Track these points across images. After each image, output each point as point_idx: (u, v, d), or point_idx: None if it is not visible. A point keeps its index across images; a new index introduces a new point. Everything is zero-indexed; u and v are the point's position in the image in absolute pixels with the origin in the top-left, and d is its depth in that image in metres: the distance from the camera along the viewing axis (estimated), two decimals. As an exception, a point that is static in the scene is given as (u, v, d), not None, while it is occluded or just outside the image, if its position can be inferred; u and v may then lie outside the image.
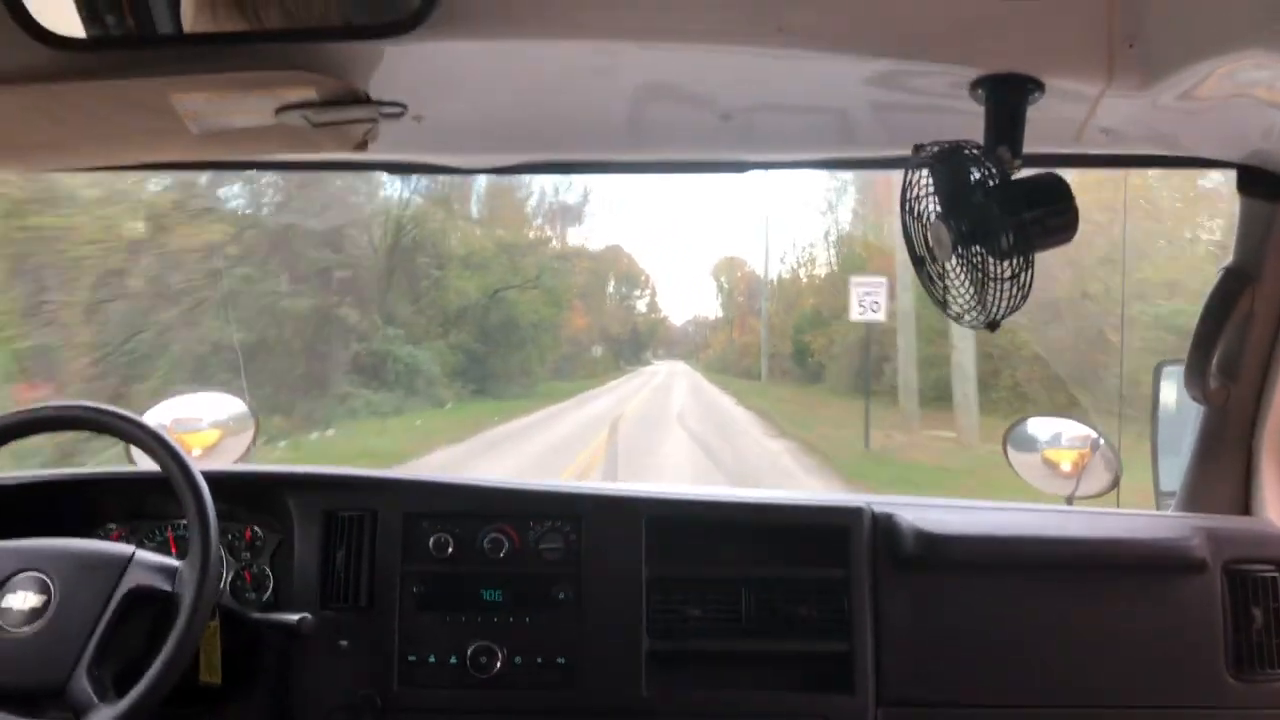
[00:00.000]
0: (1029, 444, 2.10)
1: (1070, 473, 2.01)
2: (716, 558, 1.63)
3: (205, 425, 2.16)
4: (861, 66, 1.16)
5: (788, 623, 1.61)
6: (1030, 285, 1.16)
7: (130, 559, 1.38)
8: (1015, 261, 1.15)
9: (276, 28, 1.06)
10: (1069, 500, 1.98)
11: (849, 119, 1.37)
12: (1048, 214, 1.16)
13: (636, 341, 49.87)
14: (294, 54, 1.08)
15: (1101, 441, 2.02)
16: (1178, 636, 1.59)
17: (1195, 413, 1.79)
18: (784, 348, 28.07)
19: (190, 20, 1.10)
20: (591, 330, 35.43)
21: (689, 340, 57.34)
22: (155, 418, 2.07)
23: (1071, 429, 2.09)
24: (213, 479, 1.43)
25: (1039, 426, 2.14)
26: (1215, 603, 1.58)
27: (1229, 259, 1.64)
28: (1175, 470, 1.88)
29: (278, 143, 1.30)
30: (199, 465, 1.46)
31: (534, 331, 22.52)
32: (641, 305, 51.72)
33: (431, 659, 1.58)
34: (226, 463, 2.08)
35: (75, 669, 1.30)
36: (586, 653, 1.58)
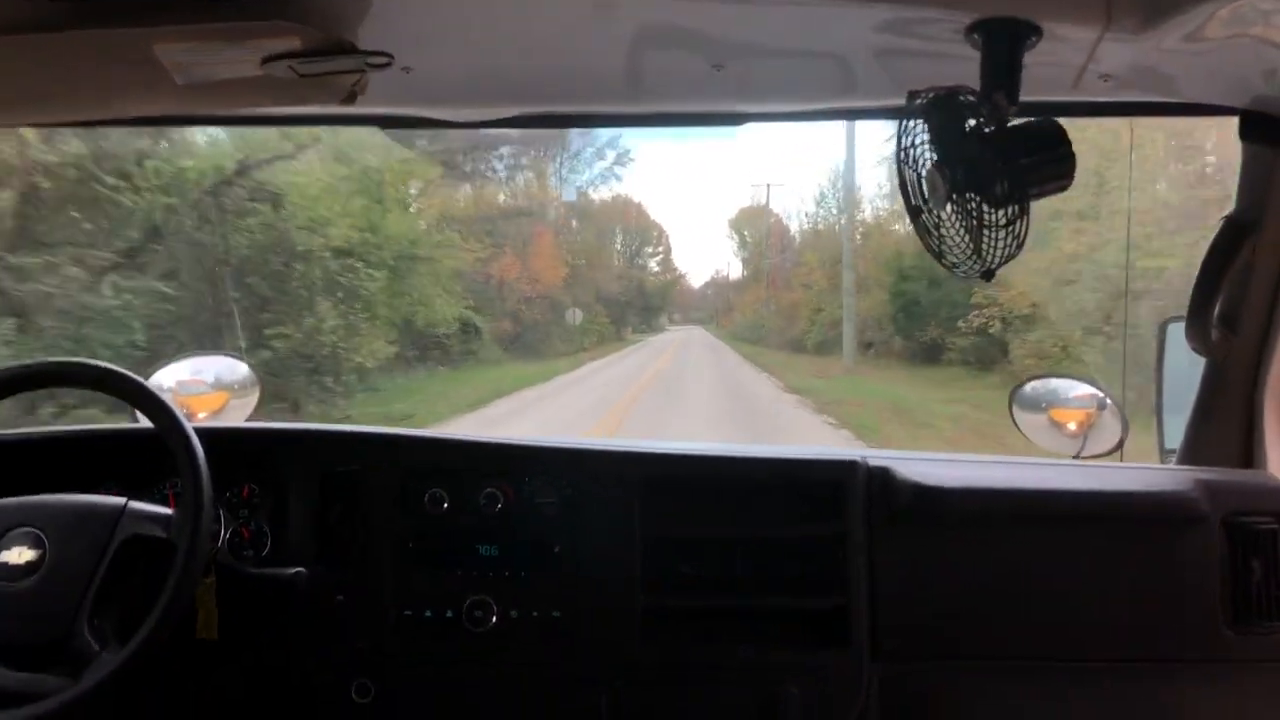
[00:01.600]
0: (1035, 403, 2.08)
1: (1076, 432, 2.00)
2: (712, 514, 1.63)
3: (209, 388, 2.17)
4: (857, 11, 1.14)
5: (783, 579, 1.61)
6: (1026, 233, 1.15)
7: (123, 509, 1.38)
8: (1010, 209, 1.14)
9: None
10: (1076, 458, 1.97)
11: (845, 66, 1.35)
12: (1044, 161, 1.15)
13: (646, 305, 44.82)
14: (278, 3, 1.07)
15: (1108, 401, 2.00)
16: (1177, 589, 1.58)
17: (1199, 369, 1.77)
18: (864, 311, 20.40)
19: None
20: (580, 290, 30.48)
21: (708, 304, 52.91)
22: (161, 381, 2.09)
23: (1078, 388, 2.06)
24: (209, 436, 1.43)
25: (1045, 386, 2.12)
26: (1214, 555, 1.57)
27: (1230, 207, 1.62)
28: (1179, 428, 1.87)
29: (265, 95, 1.29)
30: (197, 424, 1.46)
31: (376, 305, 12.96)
32: (654, 264, 47.01)
33: (427, 613, 1.59)
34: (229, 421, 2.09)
35: (75, 620, 1.31)
36: (581, 608, 1.59)
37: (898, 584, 1.59)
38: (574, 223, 33.61)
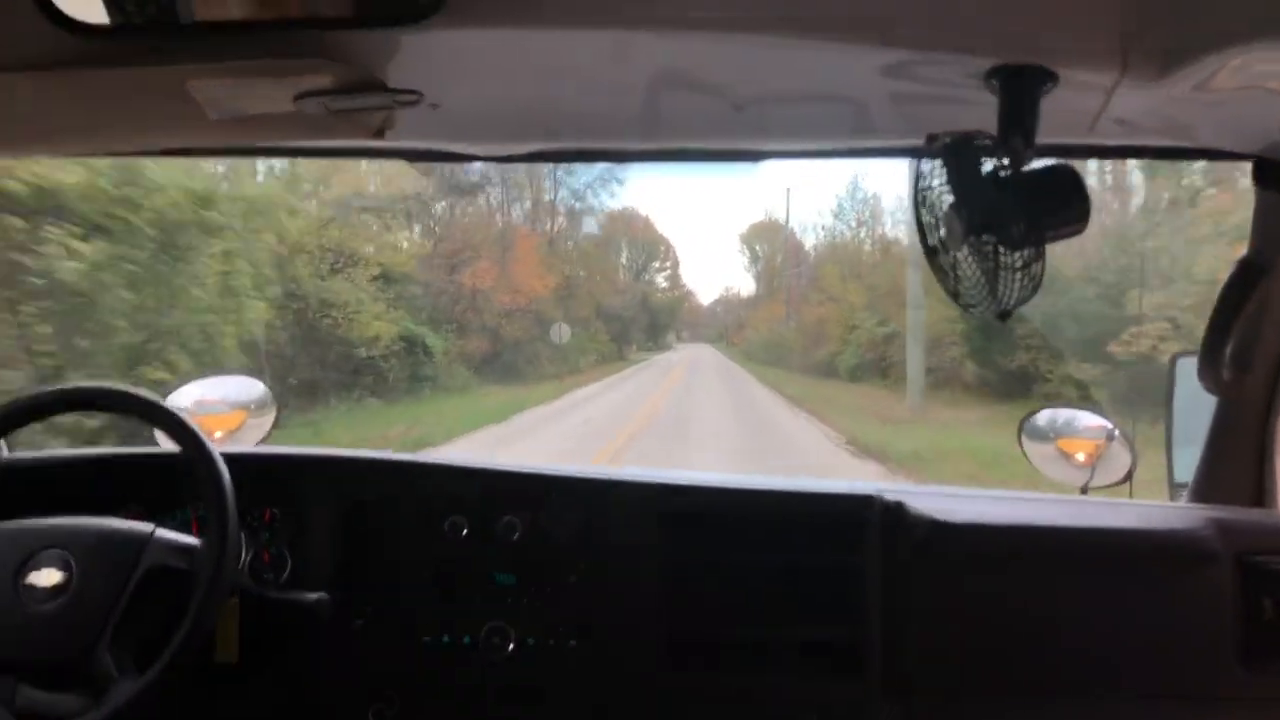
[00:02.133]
0: (1043, 434, 2.09)
1: (1085, 463, 2.01)
2: (727, 544, 1.64)
3: (227, 408, 2.19)
4: (875, 56, 1.16)
5: (798, 610, 1.62)
6: (1042, 275, 1.16)
7: (150, 537, 1.40)
8: (1027, 252, 1.16)
9: (293, 15, 1.07)
10: (1083, 490, 1.98)
11: (862, 109, 1.37)
12: (1060, 205, 1.17)
13: (652, 322, 42.03)
14: (311, 41, 1.10)
15: (1117, 432, 2.01)
16: (1189, 627, 1.59)
17: (1210, 405, 1.78)
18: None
19: (208, 8, 1.11)
20: (576, 305, 28.55)
21: (717, 321, 50.55)
22: (178, 401, 2.11)
23: (1086, 419, 2.08)
24: (233, 460, 1.45)
25: (1054, 416, 2.13)
26: (1226, 593, 1.58)
27: (1245, 250, 1.63)
28: (1190, 462, 1.88)
29: (296, 129, 1.32)
30: (219, 448, 1.48)
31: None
32: (662, 279, 44.44)
33: (445, 640, 1.61)
34: (248, 445, 2.11)
35: (96, 644, 1.33)
36: (598, 637, 1.60)
37: (912, 618, 1.60)
38: (564, 228, 31.21)
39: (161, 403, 1.50)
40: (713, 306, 53.70)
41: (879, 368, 19.62)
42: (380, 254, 15.73)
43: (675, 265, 46.63)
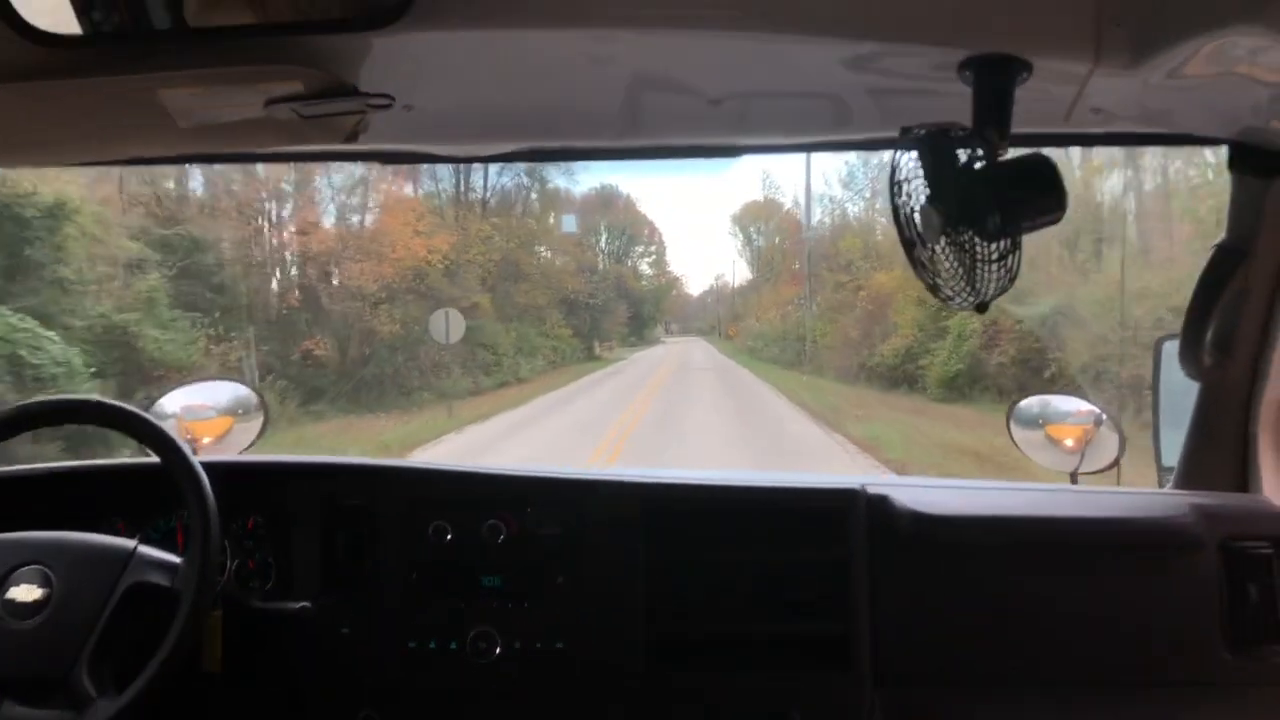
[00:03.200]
0: (1032, 420, 2.09)
1: (1073, 448, 2.01)
2: (713, 541, 1.64)
3: (215, 413, 2.19)
4: (848, 50, 1.15)
5: (785, 605, 1.62)
6: (1018, 267, 1.16)
7: (132, 554, 1.40)
8: (1003, 243, 1.16)
9: (262, 22, 1.07)
10: (1073, 476, 1.98)
11: (839, 102, 1.37)
12: (1035, 195, 1.16)
13: (635, 313, 36.48)
14: (280, 48, 1.09)
15: (1105, 417, 2.01)
16: (1174, 614, 1.59)
17: (1196, 387, 1.78)
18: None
19: (178, 16, 1.11)
20: (520, 292, 24.31)
21: (708, 313, 46.01)
22: (165, 406, 2.10)
23: (1075, 405, 2.08)
24: (215, 470, 1.45)
25: (1042, 403, 2.13)
26: (1211, 580, 1.58)
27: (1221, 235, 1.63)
28: (1177, 446, 1.88)
29: (267, 136, 1.31)
30: (205, 454, 1.48)
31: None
32: (646, 266, 39.75)
33: (431, 645, 1.61)
34: (235, 450, 2.10)
35: (76, 662, 1.32)
36: (585, 637, 1.60)
37: (899, 609, 1.61)
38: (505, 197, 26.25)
39: (141, 414, 1.49)
40: (703, 297, 48.94)
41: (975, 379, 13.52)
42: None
43: (661, 250, 40.76)
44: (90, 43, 1.11)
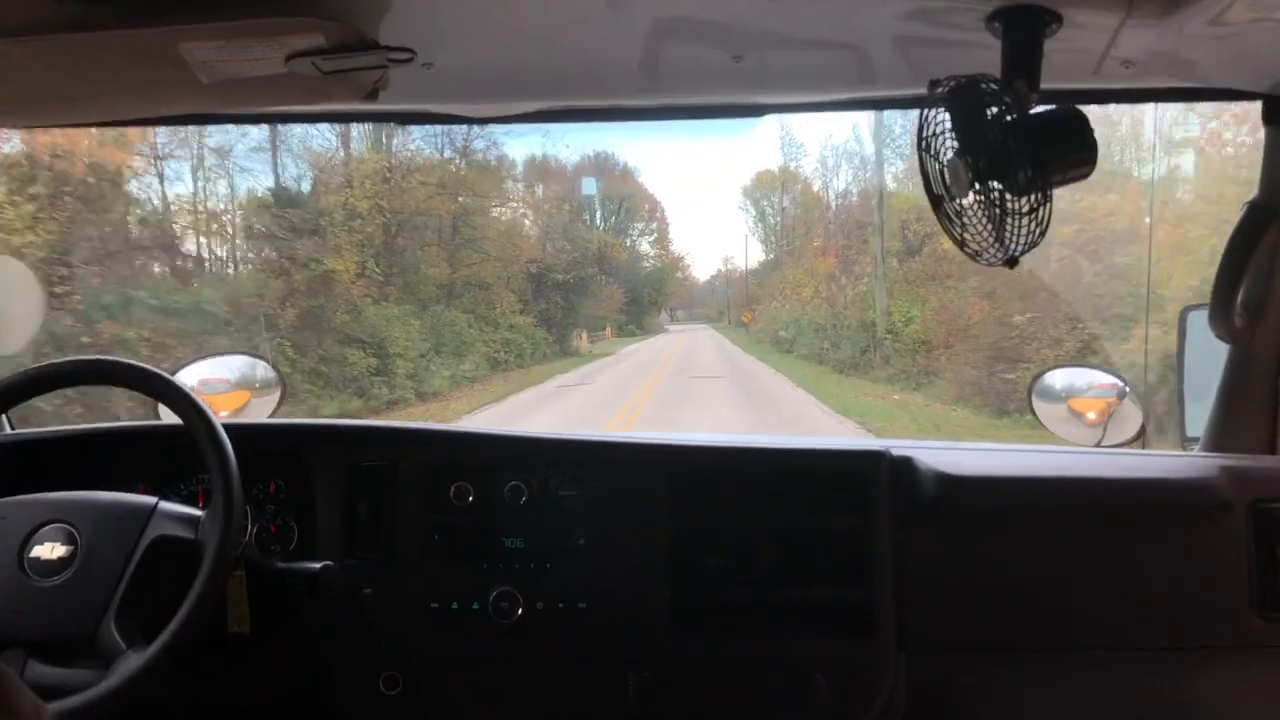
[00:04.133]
0: (1054, 394, 2.08)
1: (1096, 420, 2.00)
2: (737, 506, 1.63)
3: (231, 387, 2.19)
4: (876, 1, 1.14)
5: (809, 570, 1.61)
6: (1049, 220, 1.14)
7: (154, 509, 1.40)
8: (1033, 197, 1.14)
9: None
10: (1097, 448, 1.96)
11: (865, 56, 1.35)
12: (1066, 148, 1.15)
13: (633, 297, 31.25)
14: (302, 1, 1.08)
15: (1128, 389, 2.00)
16: (1204, 576, 1.58)
17: (1221, 357, 1.76)
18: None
19: None
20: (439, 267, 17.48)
21: (717, 298, 39.97)
22: (182, 379, 2.10)
23: (1097, 377, 2.06)
24: (236, 433, 1.45)
25: (1065, 376, 2.12)
26: (1241, 542, 1.57)
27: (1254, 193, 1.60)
28: (1201, 416, 1.86)
29: (288, 93, 1.30)
30: (223, 420, 1.47)
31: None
32: (646, 244, 33.46)
33: (454, 606, 1.60)
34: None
35: (103, 617, 1.32)
36: (607, 599, 1.60)
37: (923, 574, 1.59)
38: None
39: (164, 375, 1.49)
40: (711, 282, 42.25)
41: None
42: None
43: (663, 226, 34.65)
44: None
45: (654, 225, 33.62)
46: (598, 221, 29.32)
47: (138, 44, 1.13)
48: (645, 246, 33.82)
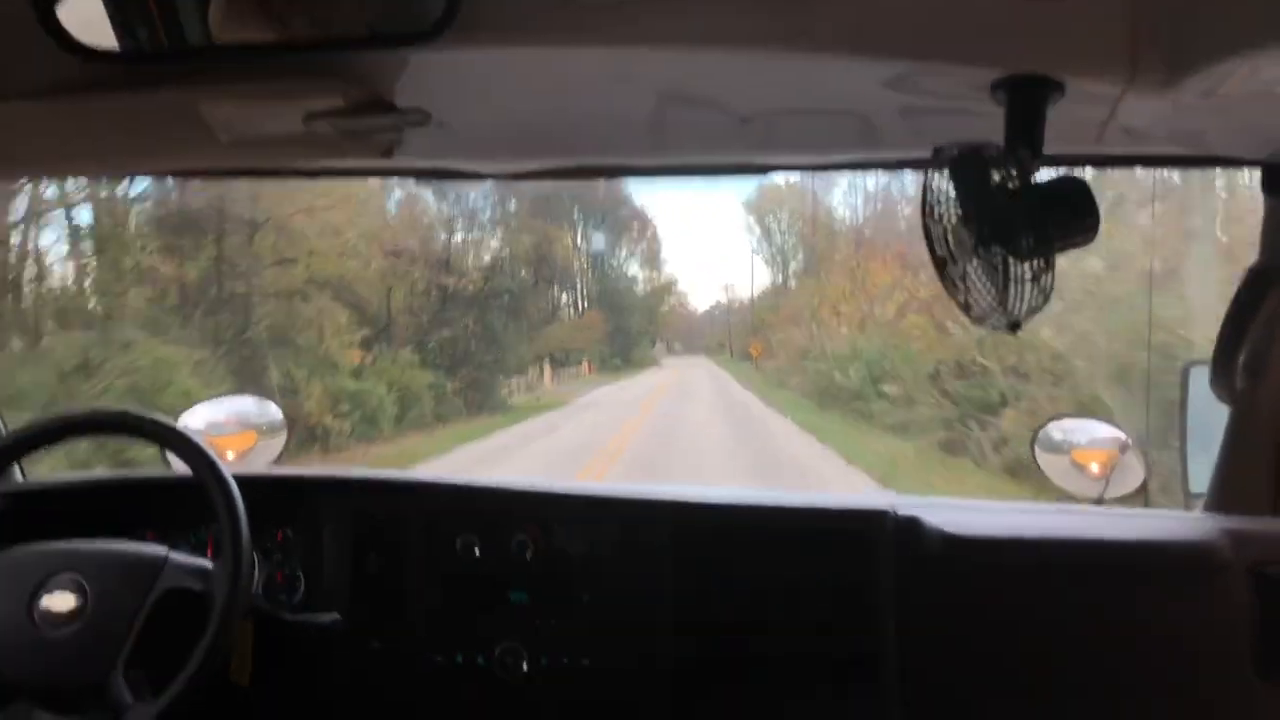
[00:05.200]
0: (1057, 445, 2.08)
1: (1099, 474, 2.00)
2: (741, 560, 1.64)
3: (238, 429, 2.20)
4: (880, 69, 1.16)
5: (813, 626, 1.61)
6: (1052, 286, 1.16)
7: (164, 561, 1.41)
8: (1036, 263, 1.16)
9: (303, 37, 1.08)
10: (1098, 502, 1.97)
11: (869, 121, 1.37)
12: (1069, 216, 1.17)
13: (618, 325, 26.15)
14: (320, 63, 1.11)
15: (1130, 443, 2.00)
16: (1203, 638, 1.58)
17: (1223, 413, 1.77)
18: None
19: (219, 31, 1.13)
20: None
21: (717, 327, 35.40)
22: (189, 422, 2.12)
23: (1100, 430, 2.07)
24: (245, 482, 1.46)
25: (1067, 428, 2.12)
26: (1241, 604, 1.56)
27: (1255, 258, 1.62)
28: (1204, 472, 1.87)
29: (305, 151, 1.33)
30: (231, 469, 1.49)
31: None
32: (635, 266, 29.20)
33: (459, 659, 1.61)
34: (260, 466, 2.11)
35: (112, 669, 1.33)
36: (612, 655, 1.60)
37: (928, 630, 1.60)
38: None
39: (173, 425, 1.51)
40: (710, 312, 37.39)
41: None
42: None
43: (653, 245, 30.20)
44: (134, 58, 1.13)
45: (643, 243, 29.16)
46: (579, 242, 23.92)
47: (159, 104, 1.16)
48: (635, 268, 29.25)
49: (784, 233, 28.02)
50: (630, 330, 27.84)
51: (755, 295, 30.93)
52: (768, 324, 25.68)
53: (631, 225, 27.79)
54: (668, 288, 31.82)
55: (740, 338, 30.21)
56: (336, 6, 1.09)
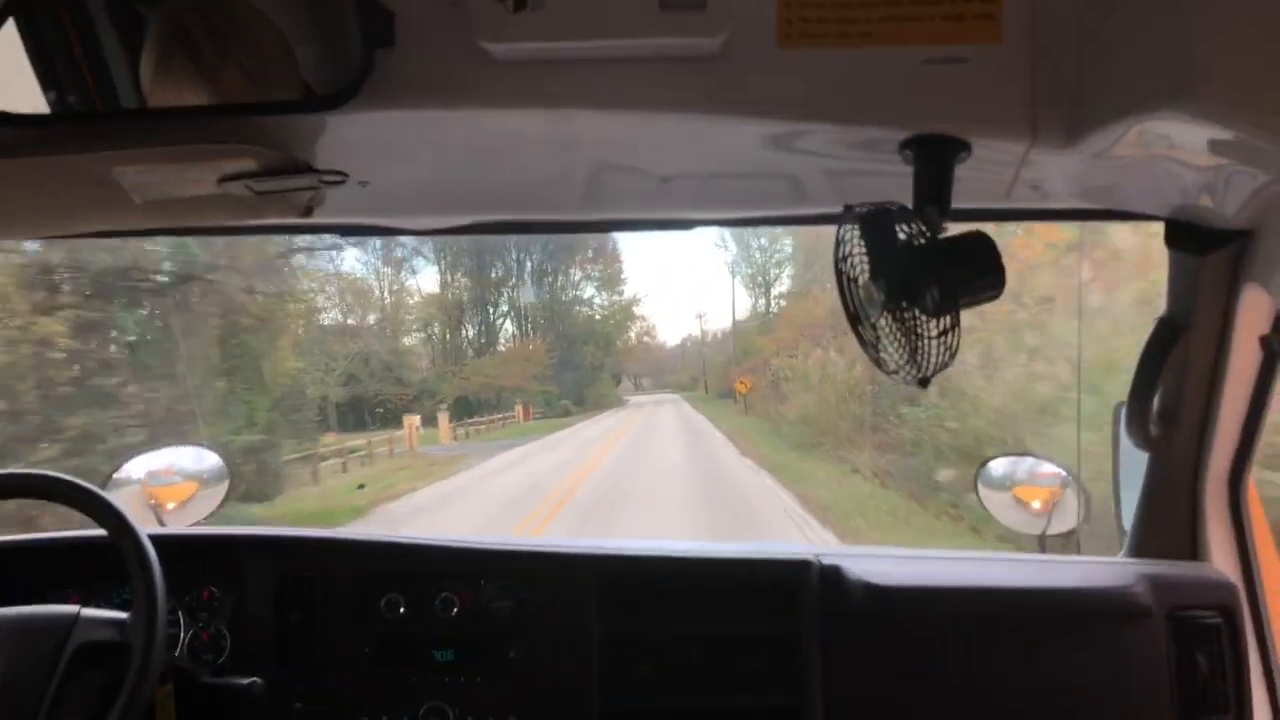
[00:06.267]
0: (999, 482, 2.10)
1: (1041, 510, 2.02)
2: (668, 613, 1.64)
3: (180, 479, 2.18)
4: (791, 130, 1.18)
5: (739, 678, 1.61)
6: (958, 343, 1.18)
7: (76, 617, 1.38)
8: (943, 320, 1.17)
9: (216, 103, 1.09)
10: (1041, 537, 1.99)
11: (789, 181, 1.40)
12: (973, 272, 1.19)
13: (568, 359, 22.92)
14: (235, 127, 1.11)
15: (1071, 479, 2.03)
16: (1125, 684, 1.59)
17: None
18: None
19: (134, 96, 1.13)
20: None
21: (689, 361, 31.78)
22: (131, 472, 2.10)
23: (1041, 467, 2.09)
24: (169, 541, 1.45)
25: (1009, 465, 2.14)
26: (1161, 649, 1.59)
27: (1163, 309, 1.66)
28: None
29: (222, 211, 1.33)
30: (168, 519, 1.47)
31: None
32: (590, 290, 25.76)
33: None
34: (201, 515, 2.10)
35: None
36: (538, 712, 1.59)
37: (851, 681, 1.60)
38: None
39: (86, 485, 1.49)
40: (683, 344, 33.54)
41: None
42: None
43: (612, 266, 26.48)
44: (49, 121, 1.14)
45: (599, 264, 25.68)
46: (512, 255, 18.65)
47: (73, 167, 1.16)
48: (590, 291, 25.50)
49: (770, 248, 23.85)
50: (581, 364, 23.60)
51: (738, 321, 26.87)
52: (755, 350, 22.02)
53: (585, 243, 23.77)
54: (628, 311, 27.63)
55: (715, 372, 26.26)
56: (267, 69, 1.10)
